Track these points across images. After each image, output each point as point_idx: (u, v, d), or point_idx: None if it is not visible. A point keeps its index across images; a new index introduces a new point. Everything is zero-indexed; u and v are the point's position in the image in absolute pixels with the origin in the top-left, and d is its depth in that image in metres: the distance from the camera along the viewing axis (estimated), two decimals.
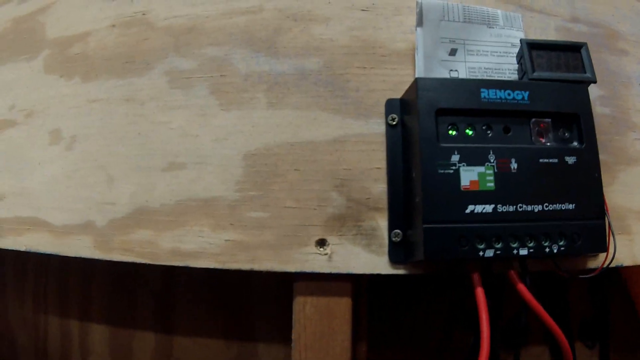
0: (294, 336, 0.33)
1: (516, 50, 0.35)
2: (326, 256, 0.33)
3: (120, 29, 0.40)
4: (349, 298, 0.33)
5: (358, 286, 0.37)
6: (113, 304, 0.51)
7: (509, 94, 0.31)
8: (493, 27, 0.36)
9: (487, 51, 0.35)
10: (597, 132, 0.33)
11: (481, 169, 0.30)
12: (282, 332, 0.45)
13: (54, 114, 0.39)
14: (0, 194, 0.39)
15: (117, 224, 0.35)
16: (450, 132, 0.31)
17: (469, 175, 0.30)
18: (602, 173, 0.32)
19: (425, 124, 0.30)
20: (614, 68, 0.38)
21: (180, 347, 0.49)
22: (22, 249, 0.37)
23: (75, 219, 0.36)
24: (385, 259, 0.33)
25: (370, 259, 0.33)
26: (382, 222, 0.33)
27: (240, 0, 0.37)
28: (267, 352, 0.47)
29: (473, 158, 0.30)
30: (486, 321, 0.29)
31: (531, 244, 0.30)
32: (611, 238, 0.32)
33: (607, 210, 0.32)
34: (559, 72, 0.33)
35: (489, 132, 0.31)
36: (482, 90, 0.31)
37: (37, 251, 0.37)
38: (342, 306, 0.33)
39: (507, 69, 0.35)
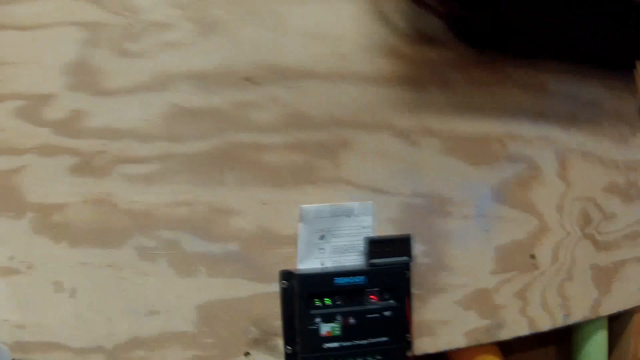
0: None
1: (367, 230, 0.55)
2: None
3: (92, 206, 0.52)
4: None
5: None
6: None
7: (351, 279, 0.52)
8: (350, 217, 0.54)
9: (346, 234, 0.54)
10: (417, 275, 0.55)
11: (333, 324, 0.52)
12: None
13: (52, 269, 0.52)
14: (20, 325, 0.53)
15: (120, 347, 0.56)
16: (316, 302, 0.52)
17: (325, 328, 0.52)
18: (416, 301, 0.54)
19: (301, 302, 0.51)
20: (438, 227, 0.58)
21: None
22: None
23: (89, 344, 0.54)
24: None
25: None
26: (280, 342, 0.55)
27: (178, 194, 0.53)
28: None
29: (327, 318, 0.52)
30: None
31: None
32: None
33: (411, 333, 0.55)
34: (387, 258, 0.53)
35: (339, 302, 0.52)
36: (335, 279, 0.52)
37: None
38: None
39: (359, 244, 0.55)
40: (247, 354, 0.55)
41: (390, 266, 0.53)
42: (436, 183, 0.58)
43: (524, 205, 0.61)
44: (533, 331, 0.62)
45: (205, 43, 0.53)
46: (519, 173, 0.61)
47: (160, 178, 0.52)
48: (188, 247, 0.53)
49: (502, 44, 0.61)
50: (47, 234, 0.52)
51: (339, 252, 0.55)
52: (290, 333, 0.54)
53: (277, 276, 0.54)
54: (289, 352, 0.54)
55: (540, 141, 0.62)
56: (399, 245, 0.54)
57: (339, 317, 0.52)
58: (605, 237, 0.65)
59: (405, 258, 0.54)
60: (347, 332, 0.53)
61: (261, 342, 0.55)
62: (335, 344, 0.52)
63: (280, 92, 0.54)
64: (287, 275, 0.53)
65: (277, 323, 0.54)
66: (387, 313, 0.53)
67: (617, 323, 0.69)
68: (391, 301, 0.53)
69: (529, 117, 0.62)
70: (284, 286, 0.53)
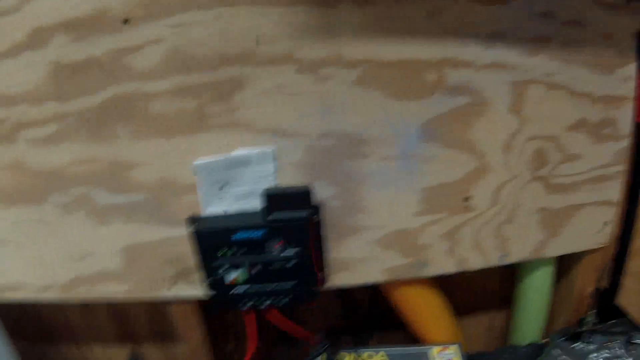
0: None
1: (268, 178, 0.51)
2: (174, 293, 0.59)
3: (8, 171, 0.54)
4: (196, 307, 0.62)
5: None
6: None
7: (250, 234, 0.51)
8: (248, 167, 0.51)
9: (246, 182, 0.52)
10: (329, 217, 0.53)
11: (238, 272, 0.53)
12: None
13: None
14: None
15: (65, 285, 0.59)
16: (219, 253, 0.52)
17: (231, 276, 0.53)
18: (330, 241, 0.54)
19: (205, 254, 0.52)
20: (351, 169, 0.53)
21: None
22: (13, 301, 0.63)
23: (40, 284, 0.60)
24: (202, 292, 0.58)
25: (195, 291, 0.59)
26: (197, 276, 0.58)
27: (79, 153, 0.52)
28: None
29: (232, 267, 0.53)
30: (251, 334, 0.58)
31: (269, 301, 0.55)
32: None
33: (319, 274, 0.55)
34: (287, 211, 0.51)
35: (241, 252, 0.52)
36: (233, 235, 0.51)
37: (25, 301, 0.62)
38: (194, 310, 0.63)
39: (259, 191, 0.52)
40: (169, 285, 0.59)
41: (289, 220, 0.51)
42: (349, 121, 0.51)
43: (461, 144, 0.53)
44: (462, 270, 0.59)
45: None
46: (458, 107, 0.52)
47: (60, 138, 0.52)
48: (99, 199, 0.55)
49: None
50: None
51: (242, 198, 0.53)
52: (203, 269, 0.56)
53: (185, 220, 0.54)
54: (208, 283, 0.57)
55: (492, 69, 0.51)
56: (299, 198, 0.51)
57: (243, 266, 0.53)
58: (562, 180, 0.56)
59: (304, 212, 0.51)
60: (253, 279, 0.54)
61: (180, 275, 0.58)
62: (241, 290, 0.55)
63: (161, 32, 0.47)
64: (193, 221, 0.54)
65: (192, 260, 0.56)
66: (291, 261, 0.53)
67: (565, 261, 0.64)
68: (294, 250, 0.53)
69: (481, 38, 0.50)
70: (192, 231, 0.54)
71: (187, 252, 0.56)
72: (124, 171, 0.53)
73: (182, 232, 0.55)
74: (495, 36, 0.51)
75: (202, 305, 0.63)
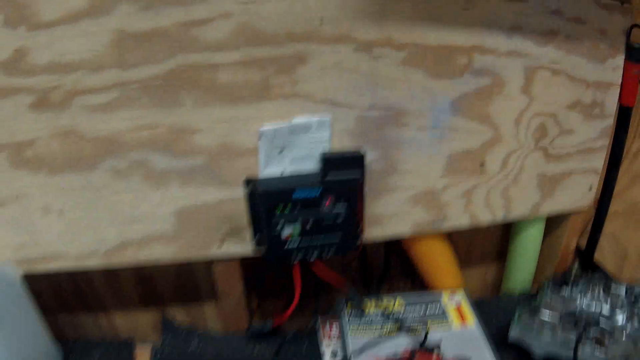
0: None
1: (324, 144, 0.59)
2: (224, 251, 0.65)
3: (60, 138, 0.55)
4: (238, 265, 0.68)
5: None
6: None
7: (308, 192, 0.58)
8: (308, 133, 0.58)
9: (303, 146, 0.59)
10: (370, 177, 0.61)
11: (292, 228, 0.60)
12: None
13: (38, 196, 0.58)
14: (21, 245, 0.61)
15: (110, 250, 0.62)
16: (277, 211, 0.59)
17: (286, 231, 0.60)
18: (369, 199, 0.62)
19: (263, 212, 0.59)
20: (392, 137, 0.61)
21: None
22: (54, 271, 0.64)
23: (83, 251, 0.62)
24: (251, 249, 0.65)
25: (245, 249, 0.65)
26: (248, 235, 0.64)
27: (139, 119, 0.55)
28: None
29: (287, 223, 0.60)
30: (298, 284, 0.66)
31: (318, 253, 0.63)
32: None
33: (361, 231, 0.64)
34: (340, 172, 0.58)
35: (297, 209, 0.59)
36: (293, 193, 0.58)
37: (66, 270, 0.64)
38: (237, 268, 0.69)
39: (316, 154, 0.59)
40: (220, 244, 0.65)
41: (342, 180, 0.59)
42: (395, 96, 0.59)
43: (481, 118, 0.63)
44: (474, 225, 0.70)
45: None
46: (481, 87, 0.61)
47: (120, 105, 0.55)
48: (157, 164, 0.58)
49: None
50: (25, 167, 0.57)
51: (298, 161, 0.60)
52: (256, 227, 0.63)
53: (242, 182, 0.60)
54: (256, 241, 0.64)
55: (510, 56, 0.61)
56: (352, 161, 0.59)
57: (298, 222, 0.60)
58: (558, 151, 0.68)
59: (356, 174, 0.59)
60: (304, 233, 0.61)
61: (232, 234, 0.64)
62: (294, 244, 0.61)
63: (231, 7, 0.51)
64: (251, 183, 0.59)
65: (245, 220, 0.62)
66: (340, 217, 0.61)
67: (553, 220, 0.77)
68: (344, 207, 0.60)
69: (504, 30, 0.59)
70: (249, 192, 0.60)
71: (240, 212, 0.62)
72: (185, 136, 0.57)
73: (236, 193, 0.61)
74: (515, 28, 0.60)
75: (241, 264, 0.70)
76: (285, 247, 0.61)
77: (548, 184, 0.70)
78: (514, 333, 0.65)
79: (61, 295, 0.78)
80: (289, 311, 0.66)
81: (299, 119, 0.58)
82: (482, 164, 0.66)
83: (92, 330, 0.82)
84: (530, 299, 0.68)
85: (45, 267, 0.63)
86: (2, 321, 0.58)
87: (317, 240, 0.62)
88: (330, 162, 0.58)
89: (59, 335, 0.71)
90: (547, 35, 0.62)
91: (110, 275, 0.78)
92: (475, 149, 0.65)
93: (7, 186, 0.59)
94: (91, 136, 0.57)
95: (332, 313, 0.70)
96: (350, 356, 0.62)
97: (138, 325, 0.83)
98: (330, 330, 0.69)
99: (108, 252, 0.63)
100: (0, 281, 0.59)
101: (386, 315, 0.68)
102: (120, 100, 0.55)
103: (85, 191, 0.59)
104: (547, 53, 0.62)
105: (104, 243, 0.63)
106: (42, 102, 0.54)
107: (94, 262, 0.64)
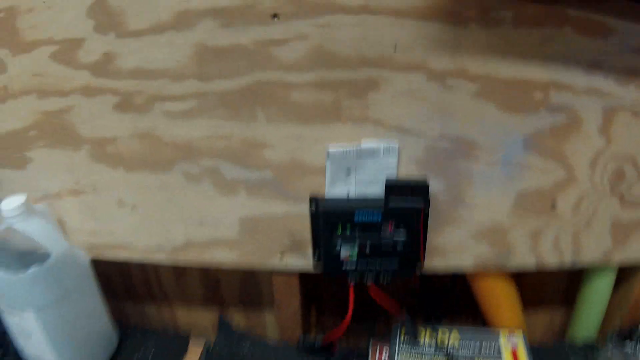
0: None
1: (390, 169, 0.58)
2: (284, 263, 0.66)
3: (139, 138, 0.60)
4: (297, 279, 0.68)
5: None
6: None
7: (369, 216, 0.58)
8: (375, 158, 0.58)
9: (370, 170, 0.59)
10: (435, 207, 0.60)
11: (351, 249, 0.60)
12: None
13: (113, 190, 0.63)
14: (93, 232, 0.67)
15: (177, 248, 0.67)
16: (338, 231, 0.59)
17: (345, 252, 0.60)
18: (432, 229, 0.61)
19: (325, 230, 0.59)
20: (462, 169, 0.60)
21: None
22: (121, 260, 0.69)
23: (151, 245, 0.67)
24: (310, 264, 0.65)
25: (304, 264, 0.65)
26: (309, 251, 0.64)
27: (215, 129, 0.58)
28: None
29: (347, 244, 0.59)
30: (351, 305, 0.64)
31: (374, 277, 0.62)
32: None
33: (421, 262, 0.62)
34: (404, 200, 0.57)
35: (357, 231, 0.59)
36: (355, 214, 0.58)
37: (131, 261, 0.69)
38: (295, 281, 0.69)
39: (381, 179, 0.59)
40: (280, 256, 0.65)
41: (404, 208, 0.58)
42: (466, 127, 0.59)
43: (556, 156, 0.61)
44: (540, 267, 0.67)
45: None
46: (556, 124, 0.60)
47: (197, 114, 0.58)
48: (227, 173, 0.61)
49: None
50: (104, 162, 0.61)
51: (364, 184, 0.60)
52: (317, 245, 0.63)
53: (307, 199, 0.61)
54: (316, 258, 0.64)
55: (588, 94, 0.59)
56: (416, 189, 0.58)
57: (356, 244, 0.60)
58: (636, 198, 0.64)
59: (419, 202, 0.58)
60: (362, 255, 0.60)
61: (293, 248, 0.65)
62: (352, 265, 0.61)
63: (307, 29, 0.53)
64: (315, 201, 0.60)
65: (307, 235, 0.63)
66: (399, 244, 0.60)
67: (626, 271, 0.72)
68: (404, 234, 0.59)
69: (582, 66, 0.58)
70: (313, 209, 0.60)
71: (302, 227, 0.63)
72: (257, 149, 0.60)
73: (301, 209, 0.62)
74: (594, 65, 0.58)
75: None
76: (343, 267, 0.61)
77: (622, 231, 0.66)
78: None
79: (130, 283, 0.82)
80: (340, 329, 0.66)
81: (368, 144, 0.58)
82: (553, 205, 0.63)
83: (154, 320, 0.86)
84: (592, 351, 0.63)
85: (114, 256, 0.68)
86: (68, 296, 0.62)
87: (374, 264, 0.61)
88: (395, 188, 0.58)
89: (121, 320, 0.75)
90: (629, 74, 0.59)
91: (179, 271, 0.81)
92: (547, 188, 0.62)
93: (86, 177, 0.64)
94: (168, 140, 0.60)
95: (385, 338, 0.67)
96: None
97: (198, 323, 0.86)
98: (380, 355, 0.66)
99: (174, 250, 0.67)
100: (71, 261, 0.64)
101: (439, 348, 0.65)
102: (198, 109, 0.58)
103: (158, 190, 0.63)
104: (629, 93, 0.60)
105: (171, 241, 0.66)
106: (126, 104, 0.59)
107: (159, 257, 0.68)
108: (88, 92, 0.58)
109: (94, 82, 0.57)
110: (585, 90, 0.59)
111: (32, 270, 0.58)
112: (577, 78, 0.59)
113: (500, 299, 0.70)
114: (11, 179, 0.66)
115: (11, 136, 0.62)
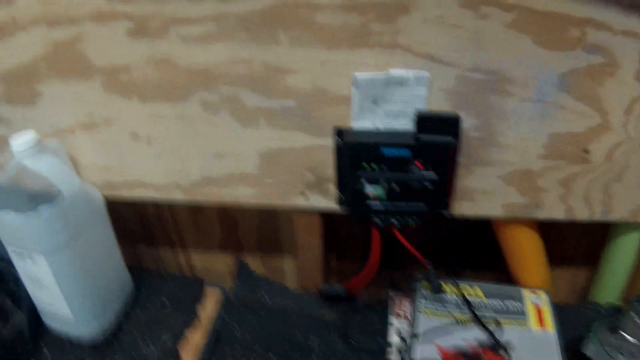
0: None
1: (420, 100, 0.55)
2: (307, 201, 0.62)
3: (154, 65, 0.57)
4: (319, 219, 0.65)
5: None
6: None
7: (397, 151, 0.55)
8: (404, 86, 0.55)
9: (399, 101, 0.56)
10: (466, 146, 0.57)
11: (377, 187, 0.56)
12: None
13: (127, 122, 0.60)
14: (106, 167, 0.64)
15: (194, 184, 0.64)
16: (364, 166, 0.56)
17: (370, 190, 0.57)
18: (462, 170, 0.58)
19: (349, 166, 0.56)
20: (494, 104, 0.57)
21: None
22: (136, 199, 0.66)
23: (167, 182, 0.64)
24: (333, 203, 0.62)
25: (328, 203, 0.62)
26: (332, 187, 0.61)
27: (235, 53, 0.55)
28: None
29: (372, 181, 0.56)
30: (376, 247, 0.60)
31: (402, 219, 0.59)
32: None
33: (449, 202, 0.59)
34: (434, 135, 0.54)
35: (384, 167, 0.56)
36: (382, 148, 0.55)
37: (147, 200, 0.66)
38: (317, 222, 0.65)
39: (410, 112, 0.56)
40: (302, 194, 0.62)
41: (435, 143, 0.55)
42: (500, 60, 0.56)
43: (590, 100, 0.58)
44: (569, 219, 0.64)
45: None
46: (592, 65, 0.57)
47: (216, 38, 0.55)
48: (248, 101, 0.58)
49: None
50: (118, 92, 0.59)
51: (391, 116, 0.57)
52: (341, 182, 0.59)
53: (330, 131, 0.58)
54: (340, 196, 0.61)
55: (626, 36, 0.57)
56: (447, 124, 0.55)
57: (383, 182, 0.56)
58: None
59: (450, 138, 0.55)
60: (390, 195, 0.58)
61: (316, 185, 0.62)
62: (378, 204, 0.58)
63: None
64: (340, 133, 0.57)
65: (330, 171, 0.60)
66: (428, 182, 0.56)
67: None
68: (434, 172, 0.56)
69: (621, 6, 0.56)
70: (337, 142, 0.57)
71: (326, 162, 0.60)
72: (279, 76, 0.57)
73: (325, 142, 0.59)
74: (633, 6, 0.57)
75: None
76: (369, 206, 0.58)
77: None
78: (588, 352, 0.57)
79: (147, 224, 0.78)
80: (361, 276, 0.62)
81: (397, 71, 0.55)
82: (585, 151, 0.60)
83: (169, 264, 0.84)
84: (615, 314, 0.60)
85: (129, 194, 0.65)
86: (81, 237, 0.59)
87: (402, 205, 0.58)
88: (425, 121, 0.55)
89: (136, 263, 0.73)
90: None
91: (195, 212, 0.78)
92: (580, 132, 0.59)
93: (99, 109, 0.61)
94: (185, 66, 0.57)
95: (407, 289, 0.63)
96: (414, 337, 0.57)
97: (214, 268, 0.84)
98: (402, 306, 0.63)
99: (192, 186, 0.64)
100: (85, 199, 0.61)
101: (462, 303, 0.61)
102: (217, 32, 0.55)
103: (174, 121, 0.60)
104: None
105: (188, 176, 0.63)
106: (140, 30, 0.56)
107: (176, 196, 0.65)
108: (100, 17, 0.56)
109: (106, 6, 0.55)
110: (622, 32, 0.57)
111: (43, 209, 0.55)
112: (616, 18, 0.57)
113: (527, 251, 0.67)
114: (22, 116, 0.63)
115: (21, 70, 0.60)
